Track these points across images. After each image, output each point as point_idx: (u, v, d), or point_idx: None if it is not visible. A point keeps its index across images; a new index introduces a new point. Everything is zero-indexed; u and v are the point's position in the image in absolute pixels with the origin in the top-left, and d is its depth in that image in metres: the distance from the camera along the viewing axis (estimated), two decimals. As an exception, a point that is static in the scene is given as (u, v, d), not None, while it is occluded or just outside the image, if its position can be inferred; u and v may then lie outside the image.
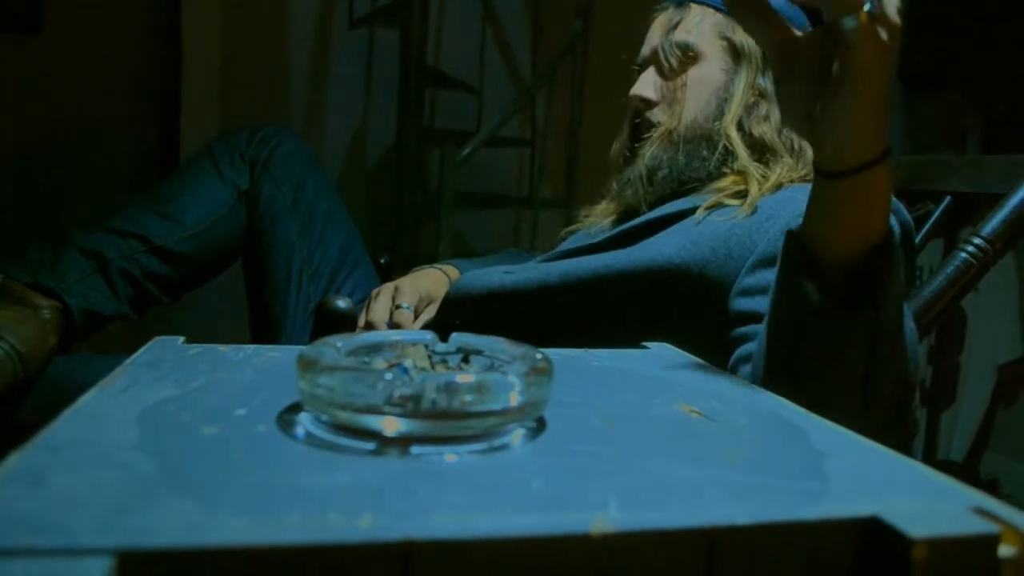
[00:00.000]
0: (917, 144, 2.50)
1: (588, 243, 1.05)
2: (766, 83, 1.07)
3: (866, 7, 0.55)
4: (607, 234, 1.04)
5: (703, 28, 1.08)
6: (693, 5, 1.09)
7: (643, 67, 1.13)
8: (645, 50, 1.13)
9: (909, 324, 0.70)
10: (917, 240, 1.16)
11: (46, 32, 2.18)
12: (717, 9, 1.08)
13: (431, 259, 1.45)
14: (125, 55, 2.27)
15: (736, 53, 1.07)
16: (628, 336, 0.71)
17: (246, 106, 2.39)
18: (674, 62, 1.08)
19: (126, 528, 0.29)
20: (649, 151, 1.07)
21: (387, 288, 1.14)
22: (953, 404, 2.16)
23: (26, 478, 0.33)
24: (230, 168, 1.32)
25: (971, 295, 2.12)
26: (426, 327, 1.04)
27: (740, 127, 1.05)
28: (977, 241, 1.06)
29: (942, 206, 1.21)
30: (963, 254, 1.06)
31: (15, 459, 0.35)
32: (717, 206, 0.99)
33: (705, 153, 1.05)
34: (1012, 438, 2.17)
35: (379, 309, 1.10)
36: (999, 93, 2.35)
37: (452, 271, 1.24)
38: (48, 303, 1.12)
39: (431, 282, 1.17)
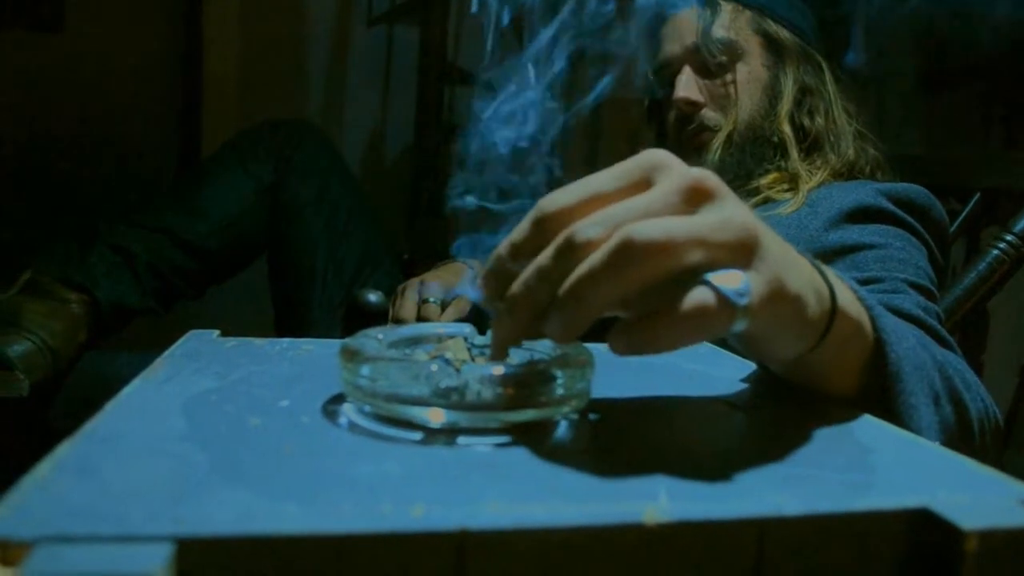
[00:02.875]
0: (938, 141, 2.48)
1: None
2: (807, 76, 1.06)
3: (740, 319, 0.38)
4: None
5: (740, 24, 1.06)
6: (722, 2, 1.07)
7: (667, 67, 1.09)
8: (674, 49, 1.08)
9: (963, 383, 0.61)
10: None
11: (68, 30, 2.19)
12: (747, 6, 1.07)
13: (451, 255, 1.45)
14: (146, 52, 2.28)
15: (774, 47, 1.05)
16: None
17: (265, 102, 2.39)
18: (722, 59, 1.05)
19: (182, 516, 0.29)
20: (715, 156, 1.04)
21: (413, 283, 1.14)
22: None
23: (77, 468, 0.33)
24: (254, 163, 1.33)
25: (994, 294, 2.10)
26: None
27: (792, 122, 1.04)
28: (1009, 238, 1.05)
29: (972, 203, 1.20)
30: (995, 251, 1.05)
31: (64, 449, 0.35)
32: (760, 204, 0.98)
33: (766, 153, 1.03)
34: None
35: (407, 305, 1.11)
36: (1021, 87, 2.33)
37: (477, 265, 1.24)
38: (77, 297, 1.13)
39: (456, 276, 1.18)
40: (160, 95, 2.31)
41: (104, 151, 2.21)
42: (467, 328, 0.51)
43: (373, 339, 0.46)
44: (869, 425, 0.46)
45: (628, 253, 0.37)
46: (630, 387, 0.52)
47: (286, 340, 0.61)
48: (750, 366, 0.60)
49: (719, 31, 1.05)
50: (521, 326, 0.41)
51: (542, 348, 0.48)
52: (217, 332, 0.64)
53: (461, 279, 1.17)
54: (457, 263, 1.23)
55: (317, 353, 0.58)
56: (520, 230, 0.42)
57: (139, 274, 1.20)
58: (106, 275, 1.17)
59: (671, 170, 0.41)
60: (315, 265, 1.34)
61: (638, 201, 0.39)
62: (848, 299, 0.49)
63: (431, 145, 2.38)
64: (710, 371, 0.58)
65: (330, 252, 1.35)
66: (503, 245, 0.43)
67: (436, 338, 0.50)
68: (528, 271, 0.41)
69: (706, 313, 0.37)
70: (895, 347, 0.52)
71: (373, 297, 1.02)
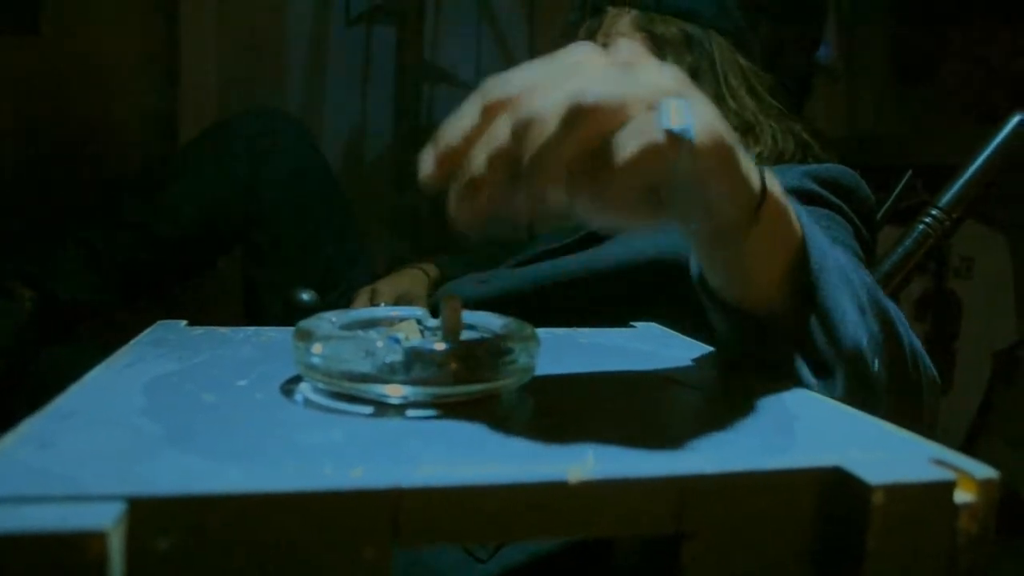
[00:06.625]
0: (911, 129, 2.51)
1: (562, 242, 1.01)
2: (694, 64, 1.03)
3: (685, 153, 0.40)
4: (581, 232, 1.00)
5: (621, 27, 1.04)
6: (608, 8, 1.06)
7: None
8: None
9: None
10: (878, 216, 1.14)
11: (44, 31, 2.20)
12: (631, 6, 1.05)
13: (429, 254, 1.46)
14: (123, 51, 2.29)
15: (657, 43, 1.03)
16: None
17: (243, 100, 2.40)
18: None
19: (133, 477, 0.31)
20: None
21: (365, 291, 1.17)
22: (949, 391, 2.17)
23: (36, 441, 0.35)
24: (228, 156, 1.31)
25: (965, 281, 2.13)
26: None
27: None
28: (934, 212, 1.07)
29: (905, 180, 1.21)
30: (920, 226, 1.07)
31: (25, 426, 0.37)
32: None
33: None
34: (1008, 425, 2.19)
35: None
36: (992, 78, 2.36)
37: (432, 270, 1.26)
38: (31, 294, 1.14)
39: (409, 282, 1.20)
40: (137, 94, 2.31)
41: (82, 151, 2.22)
42: (420, 311, 0.53)
43: (327, 321, 0.48)
44: (798, 398, 0.48)
45: (580, 113, 0.39)
46: (576, 365, 0.54)
47: (251, 328, 0.63)
48: (698, 347, 0.62)
49: (601, 39, 1.04)
50: (483, 205, 0.42)
51: (488, 325, 0.50)
52: (184, 322, 0.66)
53: (415, 287, 1.19)
54: (413, 269, 1.26)
55: (280, 339, 0.60)
56: (467, 115, 0.43)
57: (104, 270, 1.21)
58: (69, 272, 1.17)
59: (601, 51, 0.44)
60: (288, 260, 1.34)
61: (580, 72, 0.42)
62: (776, 187, 0.50)
63: (410, 143, 2.40)
64: (659, 351, 0.61)
65: (303, 247, 1.35)
66: (449, 128, 0.43)
67: (389, 321, 0.52)
68: (485, 150, 0.41)
69: (655, 148, 0.39)
70: (819, 245, 0.53)
71: (305, 296, 1.03)
